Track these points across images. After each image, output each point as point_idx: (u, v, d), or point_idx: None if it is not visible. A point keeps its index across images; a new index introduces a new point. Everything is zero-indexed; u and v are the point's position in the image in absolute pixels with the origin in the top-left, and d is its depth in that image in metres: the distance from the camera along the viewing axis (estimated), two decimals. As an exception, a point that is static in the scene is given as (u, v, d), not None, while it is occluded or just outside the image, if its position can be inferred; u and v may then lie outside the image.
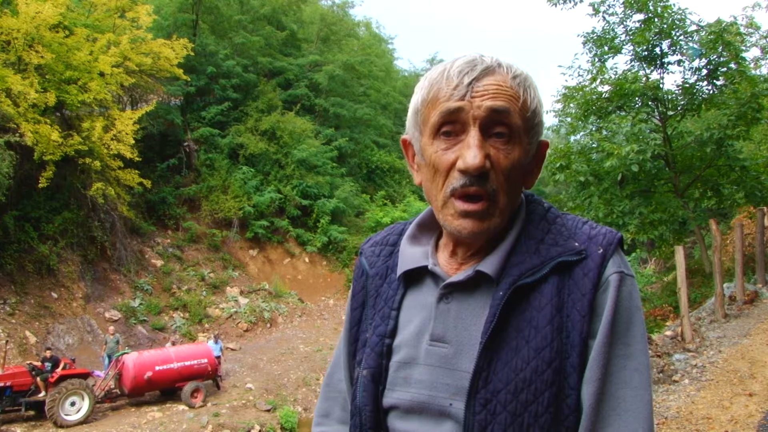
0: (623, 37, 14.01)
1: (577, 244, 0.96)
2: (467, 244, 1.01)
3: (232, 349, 18.61)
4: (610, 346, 0.91)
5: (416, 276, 1.06)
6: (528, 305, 0.94)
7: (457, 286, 1.00)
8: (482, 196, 0.94)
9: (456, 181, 0.94)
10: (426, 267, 1.04)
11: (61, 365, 12.65)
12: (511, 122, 0.94)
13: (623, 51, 14.15)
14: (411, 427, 0.99)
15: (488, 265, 0.97)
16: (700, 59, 13.32)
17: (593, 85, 14.00)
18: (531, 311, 0.93)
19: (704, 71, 13.47)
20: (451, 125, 0.95)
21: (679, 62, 13.79)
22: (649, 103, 13.81)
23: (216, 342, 15.96)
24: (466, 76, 0.94)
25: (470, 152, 0.92)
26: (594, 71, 14.07)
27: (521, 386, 0.90)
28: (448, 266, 1.03)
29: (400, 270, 1.06)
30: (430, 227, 1.10)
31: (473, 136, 0.93)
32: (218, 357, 15.32)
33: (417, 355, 1.00)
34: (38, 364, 12.79)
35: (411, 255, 1.07)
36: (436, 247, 1.08)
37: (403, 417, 1.00)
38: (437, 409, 0.96)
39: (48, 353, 12.99)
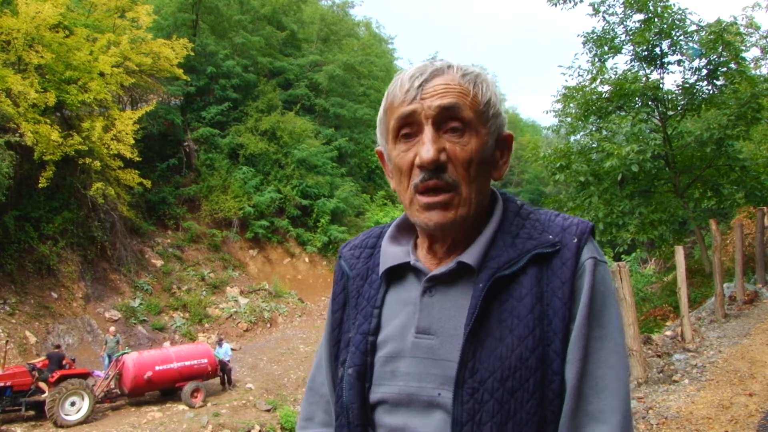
0: (623, 37, 13.98)
1: (551, 236, 1.01)
2: (441, 238, 1.05)
3: (232, 349, 18.63)
4: (588, 328, 0.96)
5: (398, 274, 1.09)
6: (509, 296, 0.98)
7: (440, 279, 1.03)
8: (443, 188, 0.99)
9: (416, 177, 1.00)
10: (408, 263, 1.07)
11: (62, 364, 12.69)
12: (462, 116, 0.99)
13: (623, 51, 14.13)
14: (399, 420, 1.01)
15: (470, 256, 1.01)
16: (700, 59, 13.30)
17: (593, 85, 13.97)
18: (512, 301, 0.97)
19: (704, 71, 13.44)
20: (408, 127, 1.01)
21: (679, 62, 13.76)
22: (649, 103, 13.79)
23: (220, 346, 15.70)
24: (416, 80, 1.01)
25: (424, 148, 0.98)
26: (594, 71, 14.04)
27: (507, 374, 0.93)
28: (429, 262, 1.07)
29: (382, 267, 1.09)
30: (409, 228, 1.14)
31: (427, 133, 0.98)
32: (228, 361, 15.25)
33: (403, 348, 1.03)
34: (41, 359, 12.83)
35: (392, 253, 1.10)
36: (415, 246, 1.11)
37: (391, 411, 1.02)
38: (426, 400, 0.98)
39: (57, 350, 13.15)
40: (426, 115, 0.98)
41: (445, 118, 0.99)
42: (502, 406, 0.92)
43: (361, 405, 1.04)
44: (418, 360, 1.00)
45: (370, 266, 1.13)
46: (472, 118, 1.00)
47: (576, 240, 1.00)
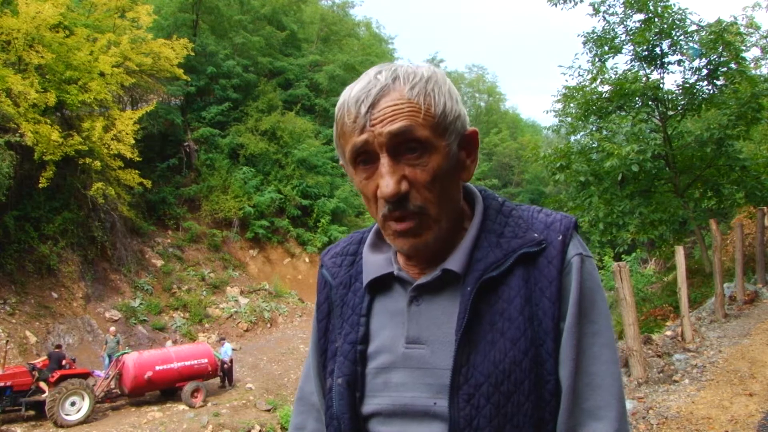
0: (623, 37, 13.98)
1: (536, 234, 0.99)
2: (420, 256, 1.03)
3: (233, 349, 18.64)
4: (579, 325, 0.95)
5: (382, 283, 1.06)
6: (498, 298, 0.96)
7: (426, 287, 1.01)
8: (410, 216, 0.95)
9: (383, 207, 0.96)
10: (392, 273, 1.05)
11: (62, 363, 12.69)
12: (416, 137, 0.94)
13: (623, 51, 14.12)
14: (394, 430, 0.99)
15: (454, 263, 0.99)
16: (700, 59, 13.30)
17: (593, 85, 13.97)
18: (501, 304, 0.96)
19: (704, 71, 13.44)
20: (364, 155, 0.96)
21: (679, 62, 13.76)
22: (650, 103, 13.78)
23: (222, 345, 15.78)
24: (362, 105, 0.94)
25: (383, 181, 0.94)
26: (594, 71, 14.04)
27: (502, 377, 0.92)
28: (412, 270, 1.04)
29: (366, 279, 1.06)
30: None
31: (384, 164, 0.94)
32: (229, 360, 15.25)
33: (395, 359, 1.01)
34: (42, 359, 12.84)
35: (375, 263, 1.07)
36: (396, 253, 1.08)
37: (385, 422, 1.00)
38: (421, 410, 0.97)
39: (58, 350, 13.16)
40: (379, 143, 0.93)
41: (400, 143, 0.93)
42: (499, 410, 0.91)
43: (352, 415, 1.02)
44: (410, 370, 0.99)
45: (352, 274, 1.11)
46: (427, 136, 0.94)
47: (561, 237, 0.98)
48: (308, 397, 1.19)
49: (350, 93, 0.97)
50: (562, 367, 0.94)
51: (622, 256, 18.83)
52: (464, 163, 1.03)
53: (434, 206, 0.96)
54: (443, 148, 0.97)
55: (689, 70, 13.70)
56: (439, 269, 0.99)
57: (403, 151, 0.94)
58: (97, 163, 17.77)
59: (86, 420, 12.37)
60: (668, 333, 8.98)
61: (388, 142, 0.93)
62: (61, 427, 12.07)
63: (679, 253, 8.67)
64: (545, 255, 0.97)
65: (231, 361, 15.36)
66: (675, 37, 13.37)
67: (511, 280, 0.97)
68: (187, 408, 13.42)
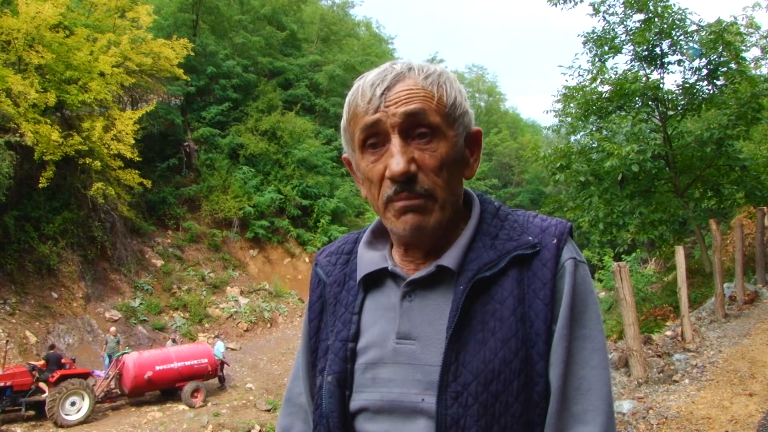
0: (623, 37, 13.97)
1: (530, 238, 1.00)
2: (417, 245, 1.03)
3: (232, 349, 18.63)
4: (570, 329, 0.95)
5: (376, 280, 1.07)
6: (490, 298, 0.97)
7: (419, 283, 1.01)
8: (416, 197, 0.97)
9: (389, 189, 0.98)
10: (386, 269, 1.05)
11: (61, 363, 12.69)
12: (429, 121, 0.97)
13: (623, 51, 14.12)
14: (381, 428, 0.99)
15: (449, 260, 0.99)
16: (700, 59, 13.29)
17: (593, 85, 13.96)
18: (494, 304, 0.96)
19: (704, 71, 13.43)
20: (374, 137, 0.98)
21: (679, 62, 13.75)
22: (650, 103, 13.78)
23: (214, 343, 15.90)
24: (377, 88, 0.97)
25: (393, 160, 0.95)
26: (594, 71, 14.03)
27: (491, 377, 0.92)
28: (406, 267, 1.05)
29: (360, 274, 1.07)
30: (385, 233, 1.12)
31: (395, 143, 0.96)
32: (222, 359, 15.30)
33: (384, 354, 1.01)
34: (41, 363, 12.83)
35: (369, 259, 1.08)
36: (392, 251, 1.09)
37: (372, 418, 1.00)
38: (409, 407, 0.97)
39: (53, 350, 13.15)
40: (392, 123, 0.96)
41: (412, 125, 0.96)
42: (486, 410, 0.91)
43: (342, 413, 1.02)
44: (400, 366, 0.99)
45: (347, 272, 1.11)
46: (439, 123, 0.97)
47: (555, 241, 0.99)
48: (296, 398, 1.19)
49: (365, 80, 1.01)
50: (551, 369, 0.94)
51: (622, 256, 18.83)
52: (468, 161, 1.06)
53: (441, 191, 0.98)
54: (451, 138, 1.00)
55: (689, 70, 13.71)
56: (433, 265, 1.00)
57: (413, 135, 0.97)
58: (97, 163, 17.77)
59: (86, 420, 12.38)
60: (668, 333, 8.97)
61: (402, 123, 0.96)
62: (61, 427, 12.07)
63: (679, 253, 8.66)
64: (539, 258, 0.98)
65: (223, 359, 15.36)
66: (675, 37, 13.37)
67: (504, 281, 0.97)
68: (187, 408, 13.43)
